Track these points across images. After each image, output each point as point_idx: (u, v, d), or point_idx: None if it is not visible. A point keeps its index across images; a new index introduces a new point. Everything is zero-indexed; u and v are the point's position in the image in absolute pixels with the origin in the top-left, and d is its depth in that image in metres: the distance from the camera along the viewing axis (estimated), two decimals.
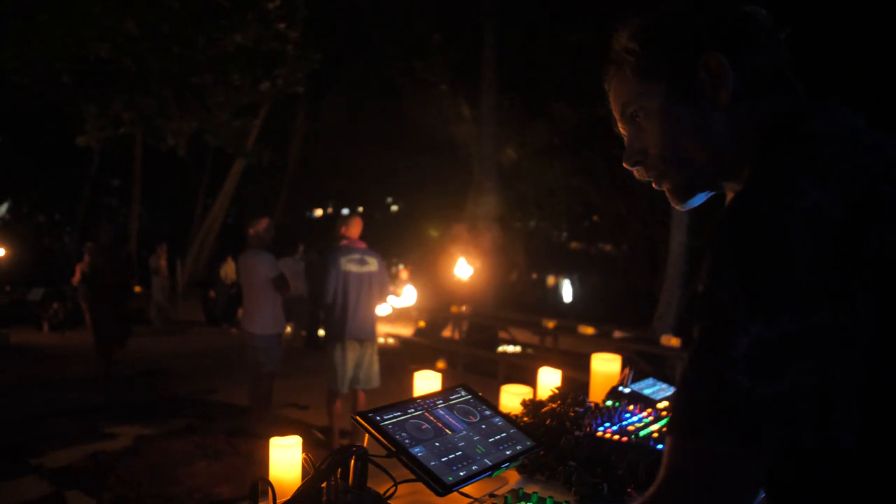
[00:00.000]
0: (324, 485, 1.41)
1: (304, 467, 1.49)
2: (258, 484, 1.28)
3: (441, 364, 10.15)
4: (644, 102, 1.08)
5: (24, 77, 11.81)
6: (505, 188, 15.82)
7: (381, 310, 13.66)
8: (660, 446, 1.70)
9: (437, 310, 11.74)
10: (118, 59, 11.10)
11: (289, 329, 11.36)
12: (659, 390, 2.29)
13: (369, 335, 5.94)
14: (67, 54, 10.93)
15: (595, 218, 23.33)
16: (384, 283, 6.06)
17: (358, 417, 1.53)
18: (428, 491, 1.56)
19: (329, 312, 5.87)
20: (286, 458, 1.56)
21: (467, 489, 1.60)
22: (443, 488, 1.40)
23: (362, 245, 5.95)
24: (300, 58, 12.99)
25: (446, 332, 12.19)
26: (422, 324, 12.17)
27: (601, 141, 15.94)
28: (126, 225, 18.36)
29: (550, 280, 28.71)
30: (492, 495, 1.57)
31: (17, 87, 12.34)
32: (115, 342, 8.01)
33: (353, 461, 1.43)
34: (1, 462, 5.41)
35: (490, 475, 1.54)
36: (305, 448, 1.63)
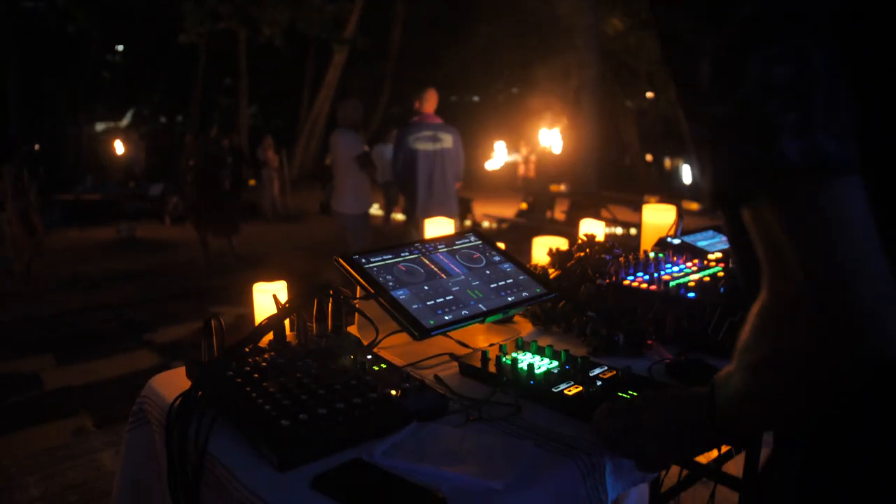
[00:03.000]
0: (290, 330, 1.32)
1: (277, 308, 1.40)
2: (211, 321, 1.19)
3: None
4: None
5: None
6: (611, 62, 14.90)
7: (491, 164, 13.40)
8: (691, 294, 1.49)
9: (541, 191, 11.45)
10: None
11: (379, 210, 11.48)
12: (717, 242, 2.04)
13: (446, 215, 5.78)
14: None
15: None
16: (458, 163, 5.73)
17: (339, 259, 1.41)
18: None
19: (403, 193, 5.76)
20: (267, 302, 1.48)
21: (465, 337, 1.48)
22: (420, 332, 1.28)
23: (437, 120, 5.63)
24: None
25: (549, 214, 11.94)
26: (524, 205, 11.95)
27: None
28: (236, 121, 18.93)
29: (667, 163, 27.35)
30: (493, 345, 1.43)
31: None
32: (212, 230, 8.37)
33: (330, 303, 1.33)
34: (121, 338, 5.86)
35: (481, 321, 1.40)
36: None
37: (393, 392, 1.13)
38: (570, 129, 10.90)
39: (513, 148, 14.20)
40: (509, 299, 1.45)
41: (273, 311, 1.35)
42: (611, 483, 1.04)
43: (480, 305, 1.40)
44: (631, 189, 17.02)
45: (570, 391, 1.18)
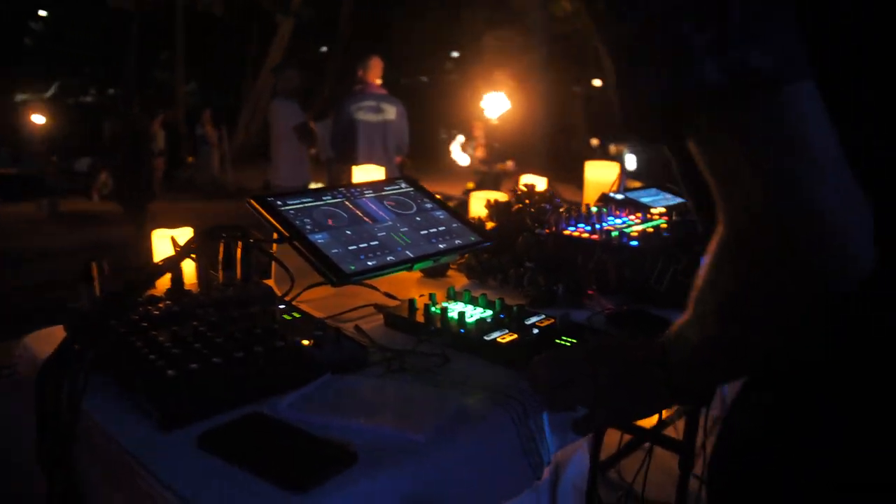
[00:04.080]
0: (193, 277, 1.17)
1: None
2: (91, 266, 1.04)
3: None
4: None
5: None
6: (559, 45, 14.86)
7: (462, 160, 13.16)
8: (633, 243, 1.39)
9: (488, 170, 11.34)
10: None
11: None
12: (660, 199, 1.96)
13: None
14: None
15: None
16: (402, 134, 5.48)
17: (251, 201, 1.26)
18: (345, 291, 1.31)
19: (342, 165, 5.56)
20: (169, 251, 1.32)
21: (395, 291, 1.35)
22: (338, 276, 1.15)
23: (381, 91, 5.40)
24: None
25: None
26: (470, 185, 11.85)
27: None
28: (173, 96, 18.27)
29: (612, 149, 27.58)
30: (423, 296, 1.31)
31: None
32: (134, 205, 8.03)
33: (239, 248, 1.18)
34: (44, 318, 5.55)
35: (409, 268, 1.27)
36: None
37: (304, 342, 1.00)
38: (517, 98, 10.80)
39: (466, 132, 14.04)
40: (440, 246, 1.33)
41: None
42: (549, 437, 0.93)
43: (408, 252, 1.27)
44: (576, 172, 17.07)
45: (503, 339, 1.07)
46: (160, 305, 1.07)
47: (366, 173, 1.75)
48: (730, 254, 0.65)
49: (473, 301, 1.22)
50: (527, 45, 13.51)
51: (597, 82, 22.17)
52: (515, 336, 1.08)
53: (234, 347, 0.94)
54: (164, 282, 1.11)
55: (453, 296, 1.25)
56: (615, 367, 0.84)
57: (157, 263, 1.06)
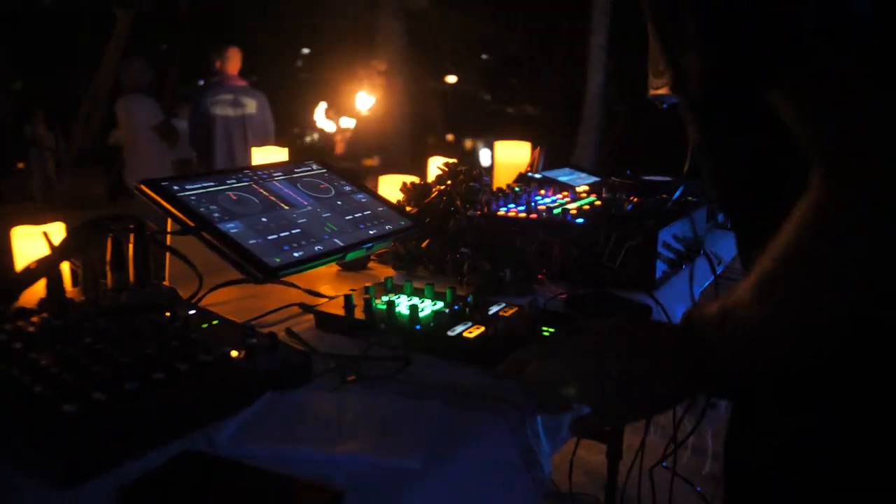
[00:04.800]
0: (74, 286, 0.93)
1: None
2: None
3: None
4: None
5: None
6: (415, 40, 14.84)
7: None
8: (580, 220, 1.29)
9: (352, 166, 11.11)
10: None
11: None
12: (577, 178, 1.88)
13: None
14: None
15: (512, 79, 22.52)
16: (266, 130, 5.15)
17: (142, 186, 1.03)
18: (259, 291, 1.12)
19: (199, 164, 5.18)
20: (36, 251, 1.06)
21: (307, 284, 1.16)
22: (263, 272, 0.95)
23: (240, 82, 5.03)
24: None
25: None
26: None
27: None
28: None
29: (468, 143, 28.12)
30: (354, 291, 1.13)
31: None
32: None
33: (131, 243, 0.95)
34: None
35: (341, 257, 1.09)
36: None
37: (234, 353, 0.80)
38: (382, 102, 10.67)
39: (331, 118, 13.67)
40: (371, 232, 1.16)
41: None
42: (545, 442, 0.79)
43: (336, 240, 1.09)
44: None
45: (469, 333, 0.91)
46: (34, 320, 0.82)
47: (265, 156, 1.53)
48: (826, 227, 0.54)
49: (418, 293, 1.06)
50: (385, 40, 13.40)
51: (451, 78, 22.47)
52: (482, 329, 0.93)
53: (147, 367, 0.72)
54: (36, 291, 0.87)
55: (392, 288, 1.08)
56: (629, 360, 0.71)
57: (27, 268, 0.82)
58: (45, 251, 0.88)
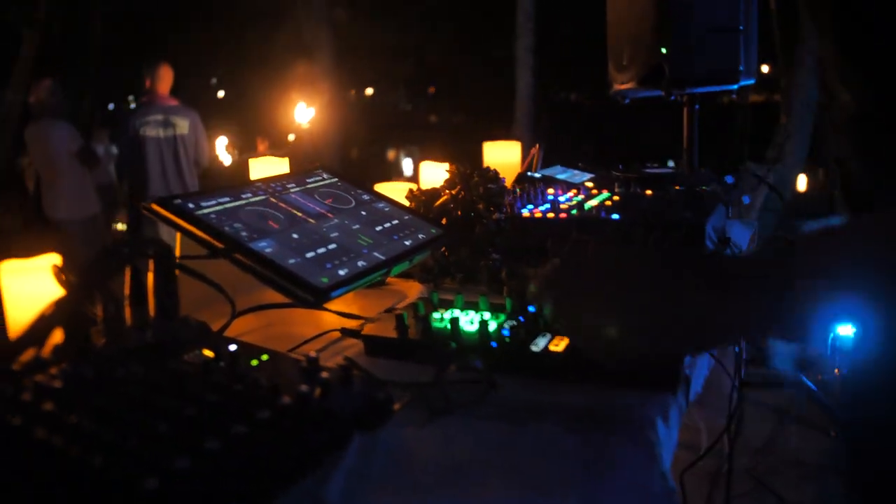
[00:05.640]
0: (97, 316, 0.78)
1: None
2: None
3: None
4: None
5: None
6: (339, 55, 14.69)
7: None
8: (615, 216, 1.21)
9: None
10: None
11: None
12: (574, 175, 1.81)
13: None
14: None
15: (433, 90, 22.60)
16: (200, 149, 4.99)
17: (154, 206, 0.89)
18: (289, 316, 0.99)
19: (130, 190, 4.95)
20: (32, 290, 0.90)
21: (333, 304, 1.04)
22: (315, 294, 0.82)
23: (171, 102, 4.83)
24: None
25: None
26: None
27: None
28: None
29: (391, 154, 28.08)
30: (390, 311, 1.02)
31: None
32: None
33: (150, 272, 0.81)
34: None
35: (387, 273, 0.98)
36: None
37: (312, 392, 0.67)
38: (321, 112, 10.49)
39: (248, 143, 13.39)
40: (407, 243, 1.04)
41: (40, 299, 0.80)
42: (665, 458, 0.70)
43: (376, 254, 0.97)
44: (365, 180, 17.04)
45: (556, 346, 0.82)
46: (54, 372, 0.68)
47: (265, 166, 1.39)
48: None
49: (472, 306, 0.96)
50: (312, 54, 13.22)
51: (369, 90, 22.35)
52: (567, 340, 0.83)
53: (218, 419, 0.59)
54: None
55: (439, 303, 0.98)
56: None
57: (46, 311, 0.67)
58: (56, 290, 0.74)
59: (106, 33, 20.40)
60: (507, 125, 10.51)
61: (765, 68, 11.08)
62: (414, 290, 1.20)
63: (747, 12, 1.87)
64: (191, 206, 0.90)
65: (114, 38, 20.37)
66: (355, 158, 22.83)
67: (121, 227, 11.11)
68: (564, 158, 1.95)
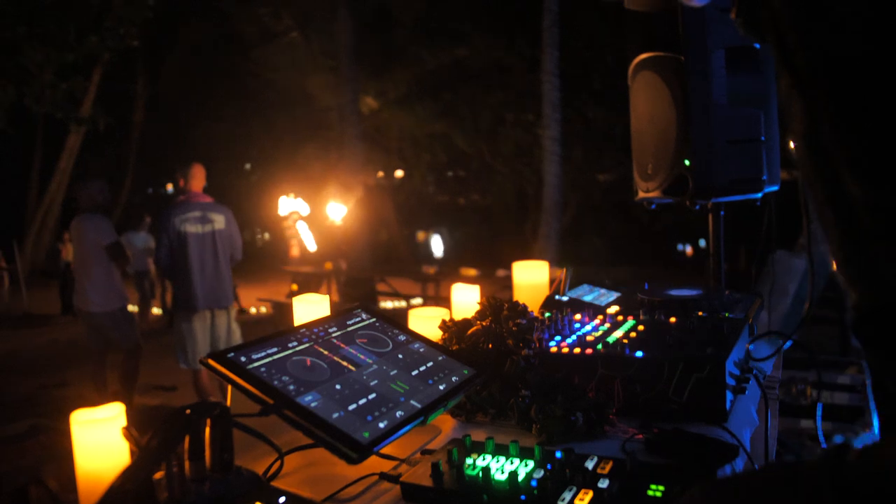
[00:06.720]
0: (160, 472, 0.86)
1: (130, 449, 0.93)
2: (29, 489, 0.71)
3: None
4: None
5: None
6: (368, 140, 15.20)
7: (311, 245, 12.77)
8: (638, 353, 1.27)
9: (310, 270, 11.06)
10: None
11: (133, 305, 10.39)
12: (600, 296, 1.87)
13: (221, 303, 5.14)
14: None
15: (460, 172, 23.15)
16: (234, 243, 5.22)
17: (210, 361, 0.98)
18: (331, 456, 1.05)
19: (171, 282, 5.15)
20: (100, 439, 0.98)
21: (387, 447, 1.10)
22: (357, 451, 0.89)
23: (206, 199, 5.07)
24: (130, 4, 11.43)
25: (322, 291, 11.54)
26: (294, 286, 11.44)
27: (463, 83, 15.66)
28: None
29: (420, 235, 28.46)
30: (425, 451, 1.08)
31: None
32: None
33: (207, 429, 0.89)
34: None
35: (423, 421, 1.04)
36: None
37: None
38: (354, 211, 10.81)
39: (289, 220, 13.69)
40: (440, 387, 1.11)
41: (108, 450, 0.88)
42: None
43: (413, 402, 1.04)
44: (396, 264, 17.29)
45: (581, 500, 0.87)
46: None
47: (306, 307, 1.48)
48: None
49: (503, 451, 1.01)
50: (341, 141, 13.71)
51: (399, 172, 22.93)
52: (590, 493, 0.88)
53: None
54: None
55: (471, 446, 1.04)
56: None
57: (123, 477, 0.75)
58: (124, 452, 0.82)
59: (146, 121, 21.39)
60: (536, 214, 10.69)
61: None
62: (447, 424, 1.26)
63: (768, 121, 1.93)
64: (243, 359, 0.99)
65: (153, 126, 21.34)
66: (384, 240, 23.21)
67: (156, 311, 11.36)
68: (595, 250, 1.98)
